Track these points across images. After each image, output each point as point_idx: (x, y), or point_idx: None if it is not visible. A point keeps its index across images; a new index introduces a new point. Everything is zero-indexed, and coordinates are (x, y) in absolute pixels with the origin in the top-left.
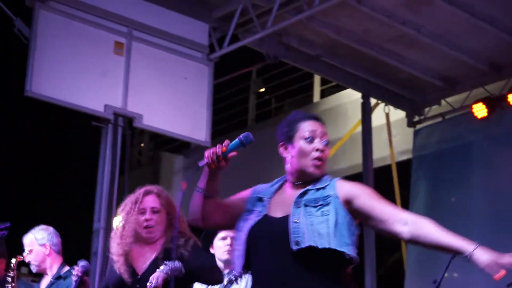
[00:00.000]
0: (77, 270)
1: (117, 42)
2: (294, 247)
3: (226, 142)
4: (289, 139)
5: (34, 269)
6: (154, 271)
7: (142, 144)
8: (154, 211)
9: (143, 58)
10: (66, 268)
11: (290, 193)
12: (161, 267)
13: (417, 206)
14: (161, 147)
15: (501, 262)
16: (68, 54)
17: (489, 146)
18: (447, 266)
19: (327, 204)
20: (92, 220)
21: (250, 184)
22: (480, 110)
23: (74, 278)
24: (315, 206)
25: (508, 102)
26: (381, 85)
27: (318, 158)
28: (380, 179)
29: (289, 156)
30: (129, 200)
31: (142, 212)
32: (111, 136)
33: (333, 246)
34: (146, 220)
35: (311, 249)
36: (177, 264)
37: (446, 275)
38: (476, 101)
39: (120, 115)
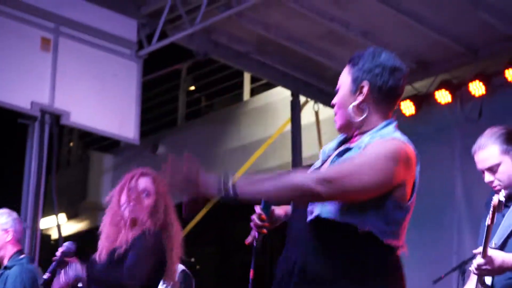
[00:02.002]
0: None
1: (43, 38)
2: (309, 216)
3: (258, 210)
4: (381, 90)
5: None
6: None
7: (71, 143)
8: (145, 193)
9: (71, 54)
10: (22, 256)
11: (341, 148)
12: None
13: None
14: (90, 146)
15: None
16: None
17: (417, 143)
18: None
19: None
20: None
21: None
22: (407, 108)
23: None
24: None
25: (435, 100)
26: (311, 82)
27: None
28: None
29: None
30: (124, 178)
31: (135, 192)
32: (37, 134)
33: (338, 218)
34: (135, 200)
35: (320, 219)
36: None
37: None
38: (404, 99)
39: (47, 112)
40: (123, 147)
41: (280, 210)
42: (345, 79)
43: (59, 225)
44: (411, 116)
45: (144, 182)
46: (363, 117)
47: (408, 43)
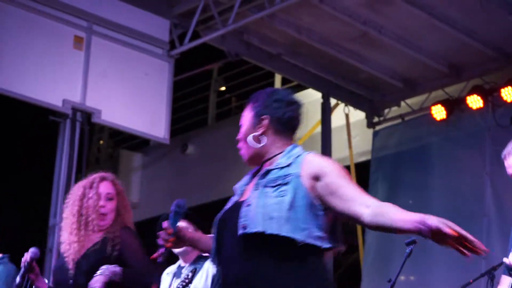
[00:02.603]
0: (26, 256)
1: (76, 37)
2: (241, 231)
3: (165, 224)
4: (280, 121)
5: None
6: (88, 260)
7: (101, 142)
8: (108, 198)
9: (103, 53)
10: (1, 255)
11: (257, 176)
12: (101, 270)
13: None
14: (120, 144)
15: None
16: (26, 48)
17: (448, 148)
18: (402, 265)
19: (286, 184)
20: (48, 216)
21: (210, 184)
22: (439, 112)
23: (22, 264)
24: (274, 186)
25: (467, 105)
26: (341, 85)
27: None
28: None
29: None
30: (81, 186)
31: (98, 197)
32: (69, 131)
33: (283, 233)
34: (101, 206)
35: (261, 234)
36: (117, 268)
37: (403, 278)
38: (435, 103)
39: (79, 110)
40: (152, 146)
41: (194, 234)
42: (247, 116)
43: None
44: (442, 120)
45: (105, 187)
46: (262, 144)
47: (441, 47)
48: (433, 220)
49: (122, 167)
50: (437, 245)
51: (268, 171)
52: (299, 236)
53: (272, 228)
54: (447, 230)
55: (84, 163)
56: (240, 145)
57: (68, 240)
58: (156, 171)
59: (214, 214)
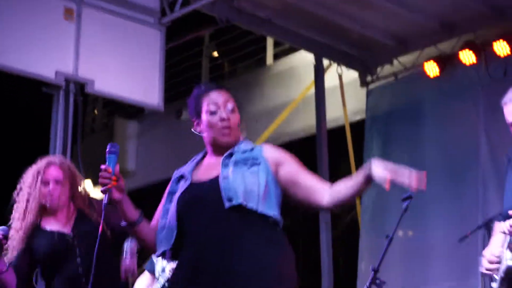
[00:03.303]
0: None
1: (67, 8)
2: (227, 204)
3: (103, 166)
4: (197, 114)
5: None
6: (83, 224)
7: (96, 111)
8: (57, 182)
9: (94, 23)
10: None
11: (214, 160)
12: (126, 243)
13: None
14: (115, 113)
15: (393, 177)
16: (16, 21)
17: (441, 103)
18: (399, 221)
19: (257, 165)
20: None
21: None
22: (432, 69)
23: None
24: (245, 164)
25: (460, 60)
26: (333, 46)
27: (225, 127)
28: (334, 140)
29: (202, 130)
30: (30, 173)
31: (45, 183)
32: (62, 103)
33: (260, 209)
34: (50, 192)
35: (242, 207)
36: (133, 241)
37: (401, 233)
38: (428, 60)
39: (72, 81)
40: (147, 114)
41: (129, 208)
42: (234, 105)
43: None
44: (435, 77)
45: (53, 171)
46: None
47: (431, 4)
48: (374, 169)
49: (118, 136)
50: (433, 200)
51: (231, 154)
52: (273, 213)
53: (252, 202)
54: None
55: (80, 133)
56: (232, 126)
57: (17, 227)
58: (152, 138)
59: None
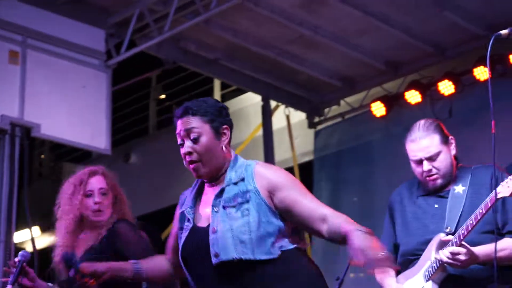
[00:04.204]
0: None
1: (11, 51)
2: (214, 260)
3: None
4: (231, 130)
5: None
6: (90, 259)
7: (43, 156)
8: (102, 192)
9: (40, 66)
10: None
11: (209, 194)
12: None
13: None
14: (63, 157)
15: (368, 256)
16: None
17: (389, 144)
18: (348, 264)
19: (247, 202)
20: None
21: (156, 192)
22: (378, 109)
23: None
24: (234, 206)
25: (406, 100)
26: (281, 87)
27: (190, 162)
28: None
29: None
30: (70, 183)
31: (89, 194)
32: (8, 147)
33: (257, 256)
34: (96, 203)
35: (235, 261)
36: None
37: (352, 275)
38: (374, 100)
39: (17, 125)
40: (95, 157)
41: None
42: (202, 129)
43: (33, 238)
44: (382, 116)
45: (96, 181)
46: (223, 156)
47: (377, 45)
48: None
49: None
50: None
51: (223, 189)
52: (272, 253)
53: (247, 253)
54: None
55: (26, 178)
56: (198, 159)
57: (60, 242)
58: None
59: (161, 222)
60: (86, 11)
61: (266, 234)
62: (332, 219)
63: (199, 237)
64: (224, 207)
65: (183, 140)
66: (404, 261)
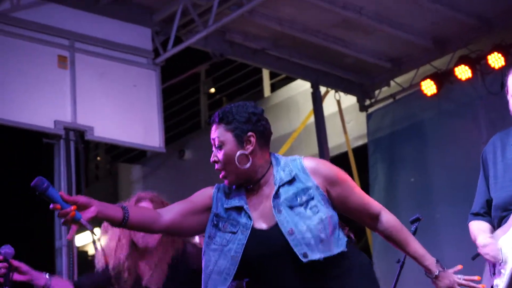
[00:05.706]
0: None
1: (60, 56)
2: (304, 260)
3: (52, 207)
4: (262, 135)
5: None
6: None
7: (98, 158)
8: None
9: (88, 69)
10: None
11: (263, 193)
12: None
13: (377, 189)
14: (118, 158)
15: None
16: (12, 73)
17: (442, 122)
18: None
19: (312, 199)
20: (52, 239)
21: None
22: (429, 87)
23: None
24: (302, 205)
25: (456, 76)
26: (329, 72)
27: (217, 170)
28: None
29: None
30: None
31: None
32: (64, 152)
33: (335, 251)
34: None
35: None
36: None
37: None
38: (424, 78)
39: (71, 129)
40: (150, 156)
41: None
42: (224, 137)
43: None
44: (433, 95)
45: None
46: (250, 163)
47: (423, 23)
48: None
49: (122, 181)
50: (443, 222)
51: (277, 190)
52: (342, 245)
53: (328, 251)
54: None
55: (83, 182)
56: (222, 167)
57: (121, 267)
58: (157, 180)
59: None
60: (130, 10)
61: (335, 227)
62: (387, 221)
63: (269, 240)
64: (290, 207)
65: (214, 147)
66: (497, 215)
